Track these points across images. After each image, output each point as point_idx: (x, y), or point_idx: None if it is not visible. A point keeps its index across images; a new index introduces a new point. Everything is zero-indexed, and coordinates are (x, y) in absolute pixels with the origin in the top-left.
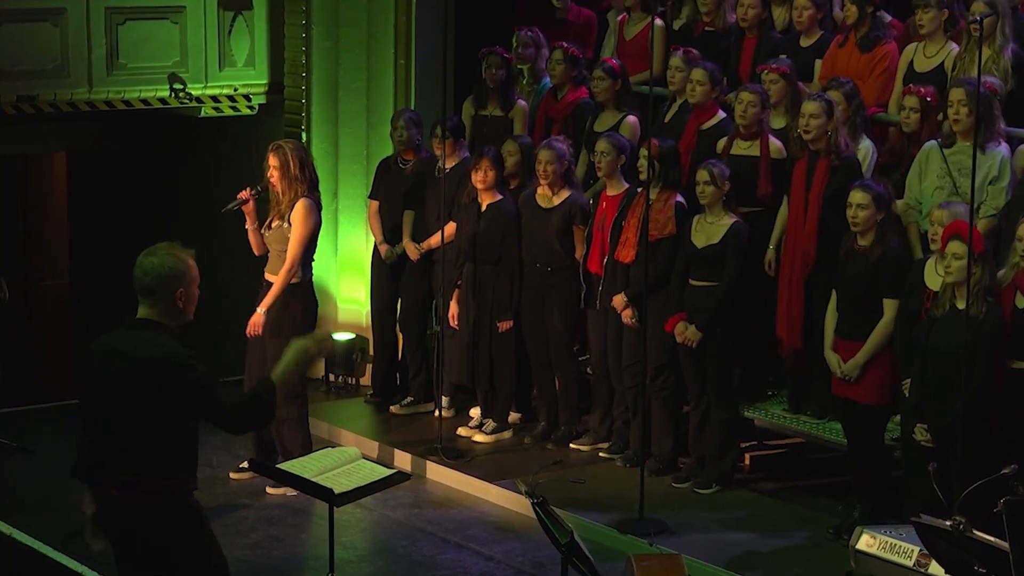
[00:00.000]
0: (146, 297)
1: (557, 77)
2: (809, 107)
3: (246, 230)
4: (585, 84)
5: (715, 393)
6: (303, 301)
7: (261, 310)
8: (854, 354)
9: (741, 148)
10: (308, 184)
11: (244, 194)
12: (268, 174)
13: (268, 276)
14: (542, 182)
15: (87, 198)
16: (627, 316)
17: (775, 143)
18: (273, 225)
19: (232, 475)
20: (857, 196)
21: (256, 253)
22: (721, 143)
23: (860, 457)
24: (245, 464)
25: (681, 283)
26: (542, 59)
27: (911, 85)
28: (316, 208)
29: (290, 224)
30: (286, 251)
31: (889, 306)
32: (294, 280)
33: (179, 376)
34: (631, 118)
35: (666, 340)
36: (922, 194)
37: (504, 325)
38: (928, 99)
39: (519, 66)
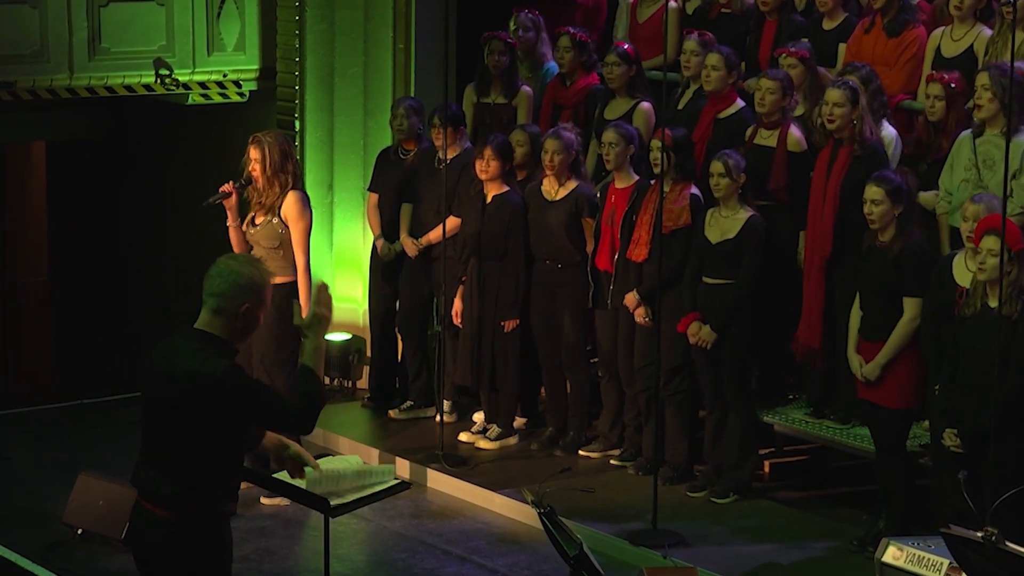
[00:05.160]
0: (211, 300)
1: (565, 64)
2: (833, 94)
3: (227, 227)
4: (595, 70)
5: (732, 397)
6: (286, 301)
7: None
8: (876, 355)
9: (762, 138)
10: (292, 176)
11: (227, 187)
12: (250, 167)
13: None
14: (548, 173)
15: (67, 190)
16: (639, 315)
17: (794, 135)
18: (259, 221)
19: None
20: (872, 191)
21: (237, 252)
22: (749, 132)
23: (886, 464)
24: None
25: (694, 281)
26: (543, 43)
27: (934, 71)
28: (308, 200)
29: (280, 219)
30: (278, 248)
31: (910, 304)
32: (283, 279)
33: (221, 388)
34: (645, 104)
35: (680, 341)
36: (952, 185)
37: (509, 325)
38: (953, 85)
39: (518, 50)
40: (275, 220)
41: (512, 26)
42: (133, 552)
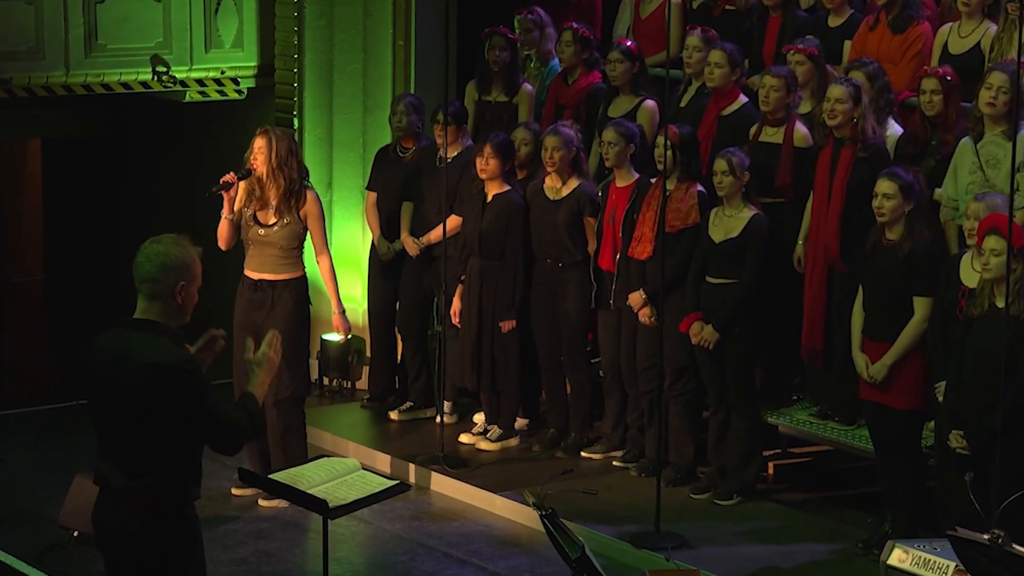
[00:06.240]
0: (144, 286)
1: (566, 60)
2: (835, 91)
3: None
4: (597, 67)
5: (735, 398)
6: (302, 297)
7: (339, 310)
8: (882, 356)
9: (767, 135)
10: (298, 173)
11: (230, 177)
12: (252, 158)
13: (265, 275)
14: (549, 170)
15: (63, 189)
16: (644, 315)
17: (800, 131)
18: (269, 220)
19: (234, 491)
20: (883, 185)
21: (224, 247)
22: (754, 130)
23: (893, 465)
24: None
25: (698, 280)
26: (548, 40)
27: (926, 67)
28: None
29: (300, 219)
30: (297, 248)
31: (921, 305)
32: (297, 274)
33: (177, 383)
34: (649, 103)
35: (684, 342)
36: (957, 191)
37: (506, 325)
38: (948, 78)
39: (525, 52)
40: (294, 221)
41: (516, 28)
42: (101, 549)
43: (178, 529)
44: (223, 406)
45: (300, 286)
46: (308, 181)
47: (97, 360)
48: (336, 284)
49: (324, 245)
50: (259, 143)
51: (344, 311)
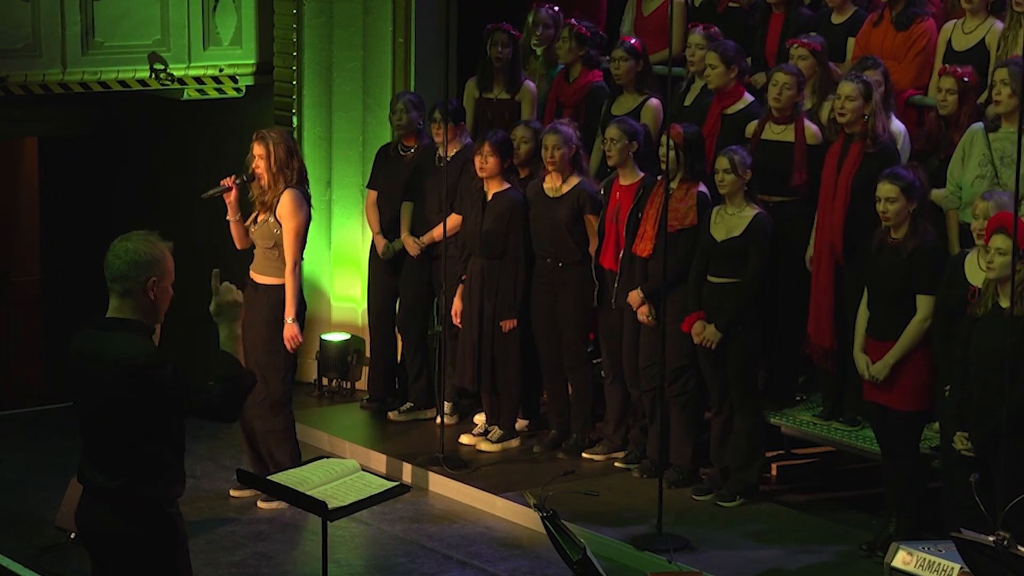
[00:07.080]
0: (115, 284)
1: (563, 56)
2: (846, 88)
3: (227, 221)
4: (598, 66)
5: (738, 398)
6: (279, 304)
7: (290, 320)
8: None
9: (773, 133)
10: (296, 175)
11: (227, 181)
12: (253, 164)
13: (254, 276)
14: (549, 169)
15: (60, 187)
16: (643, 313)
17: (811, 128)
18: (259, 219)
19: (233, 492)
20: (884, 189)
21: (239, 247)
22: (751, 127)
23: (896, 467)
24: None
25: (699, 279)
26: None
27: (945, 65)
28: (305, 200)
29: (277, 219)
30: (273, 248)
31: (923, 303)
32: (276, 280)
33: (148, 376)
34: (653, 101)
35: (685, 341)
36: (963, 180)
37: (507, 325)
38: (966, 79)
39: (534, 47)
40: (271, 219)
41: (530, 21)
42: (87, 547)
43: (160, 528)
44: (203, 387)
45: (279, 292)
46: (300, 182)
47: (72, 360)
48: (294, 292)
49: (292, 248)
50: (258, 150)
51: (295, 320)
